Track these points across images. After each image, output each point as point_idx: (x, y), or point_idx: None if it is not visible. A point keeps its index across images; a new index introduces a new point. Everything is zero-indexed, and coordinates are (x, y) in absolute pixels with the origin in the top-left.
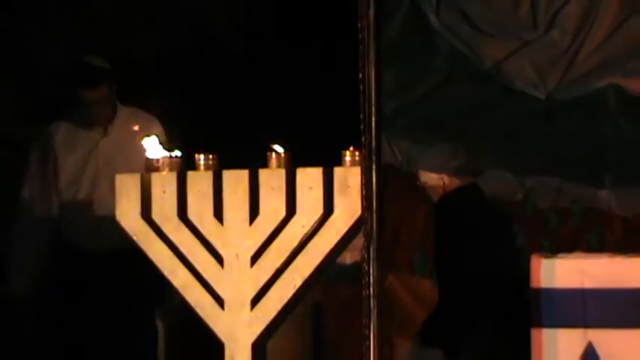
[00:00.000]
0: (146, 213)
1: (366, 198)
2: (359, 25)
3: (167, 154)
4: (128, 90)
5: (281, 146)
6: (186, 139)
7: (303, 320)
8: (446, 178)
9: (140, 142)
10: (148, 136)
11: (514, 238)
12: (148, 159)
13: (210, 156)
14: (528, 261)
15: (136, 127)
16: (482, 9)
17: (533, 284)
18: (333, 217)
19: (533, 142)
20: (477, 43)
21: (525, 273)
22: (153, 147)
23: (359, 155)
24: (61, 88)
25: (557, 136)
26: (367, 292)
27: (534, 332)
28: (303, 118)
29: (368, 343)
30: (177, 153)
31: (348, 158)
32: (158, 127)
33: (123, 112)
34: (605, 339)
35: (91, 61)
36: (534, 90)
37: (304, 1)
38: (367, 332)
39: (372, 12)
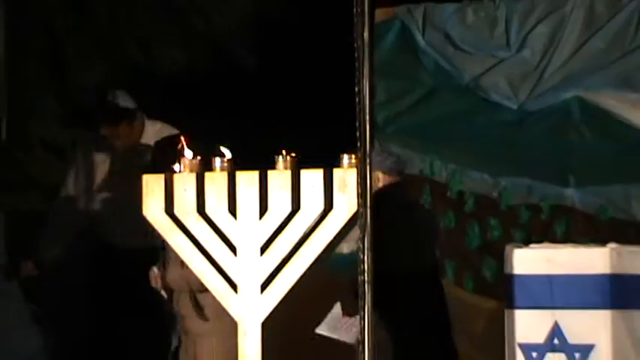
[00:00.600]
0: (169, 209)
1: (361, 195)
2: (355, 45)
3: (187, 157)
4: (154, 103)
5: (287, 150)
6: (203, 144)
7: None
8: (380, 176)
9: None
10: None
11: (433, 233)
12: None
13: (225, 159)
14: (443, 257)
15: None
16: (463, 31)
17: (507, 271)
18: (332, 212)
19: (507, 146)
20: (457, 60)
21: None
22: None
23: (355, 158)
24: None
25: (528, 141)
26: (362, 277)
27: (507, 313)
28: (307, 127)
29: (363, 322)
30: (197, 156)
31: (345, 161)
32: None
33: (149, 129)
34: (570, 319)
35: (114, 99)
36: (507, 101)
37: (308, 24)
38: (362, 313)
39: (366, 33)
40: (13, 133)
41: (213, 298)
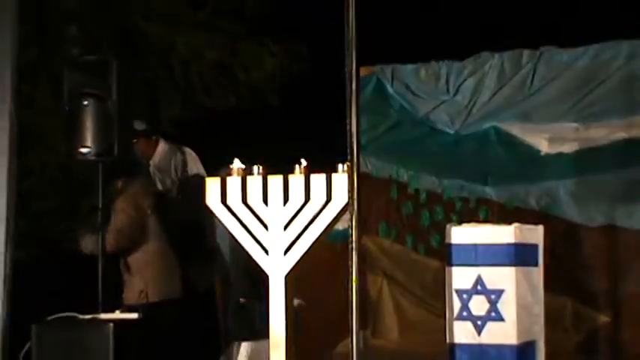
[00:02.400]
0: (223, 200)
1: (350, 191)
2: (346, 91)
3: (236, 165)
4: (207, 131)
5: (302, 161)
6: (247, 157)
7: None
8: None
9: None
10: (185, 160)
11: None
12: (228, 168)
13: (261, 167)
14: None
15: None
16: (418, 82)
17: (447, 241)
18: (331, 202)
19: (447, 159)
20: (414, 102)
21: None
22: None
23: (347, 167)
24: None
25: (461, 155)
26: (351, 246)
27: (447, 269)
28: (315, 145)
29: (351, 277)
30: (242, 165)
31: (340, 168)
32: (192, 155)
33: (161, 147)
34: (487, 272)
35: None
36: (447, 129)
37: (315, 76)
38: (350, 270)
39: (354, 84)
40: (121, 152)
41: (137, 258)
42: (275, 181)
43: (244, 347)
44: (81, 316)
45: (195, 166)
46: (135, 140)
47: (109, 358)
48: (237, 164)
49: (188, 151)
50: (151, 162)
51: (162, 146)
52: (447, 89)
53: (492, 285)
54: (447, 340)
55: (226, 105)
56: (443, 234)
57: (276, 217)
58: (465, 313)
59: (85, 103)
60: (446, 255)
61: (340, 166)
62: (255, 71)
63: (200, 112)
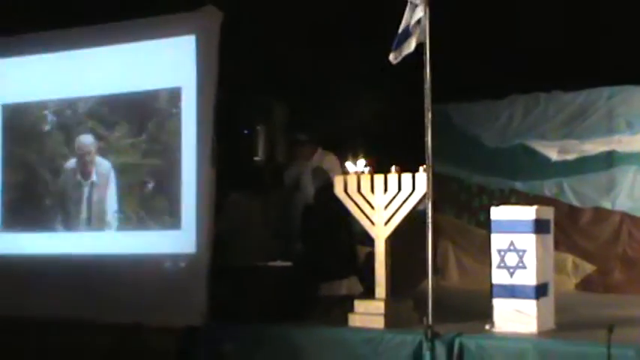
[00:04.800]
0: (345, 190)
1: (427, 185)
2: (425, 120)
3: (352, 168)
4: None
5: (397, 165)
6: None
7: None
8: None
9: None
10: (330, 165)
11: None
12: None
13: (370, 168)
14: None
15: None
16: (471, 114)
17: (491, 217)
18: (414, 191)
19: (491, 164)
20: (469, 126)
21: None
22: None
23: (425, 168)
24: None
25: (500, 161)
26: (427, 221)
27: (491, 236)
28: (405, 158)
29: (427, 240)
30: (358, 167)
31: (421, 170)
32: (336, 161)
33: (318, 153)
34: (516, 237)
35: (299, 137)
36: (491, 144)
37: (405, 110)
38: (427, 236)
39: (429, 114)
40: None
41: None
42: (379, 178)
43: (344, 282)
44: (254, 264)
45: (338, 167)
46: (301, 148)
47: (273, 294)
48: (353, 167)
49: (334, 157)
50: (310, 164)
51: (319, 152)
52: (490, 118)
53: (520, 246)
54: (491, 282)
55: (352, 127)
56: (488, 213)
57: (379, 201)
58: (502, 264)
59: (258, 128)
60: (490, 226)
61: (421, 168)
62: (367, 108)
63: (339, 131)
